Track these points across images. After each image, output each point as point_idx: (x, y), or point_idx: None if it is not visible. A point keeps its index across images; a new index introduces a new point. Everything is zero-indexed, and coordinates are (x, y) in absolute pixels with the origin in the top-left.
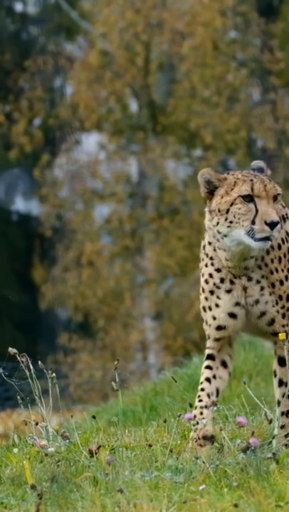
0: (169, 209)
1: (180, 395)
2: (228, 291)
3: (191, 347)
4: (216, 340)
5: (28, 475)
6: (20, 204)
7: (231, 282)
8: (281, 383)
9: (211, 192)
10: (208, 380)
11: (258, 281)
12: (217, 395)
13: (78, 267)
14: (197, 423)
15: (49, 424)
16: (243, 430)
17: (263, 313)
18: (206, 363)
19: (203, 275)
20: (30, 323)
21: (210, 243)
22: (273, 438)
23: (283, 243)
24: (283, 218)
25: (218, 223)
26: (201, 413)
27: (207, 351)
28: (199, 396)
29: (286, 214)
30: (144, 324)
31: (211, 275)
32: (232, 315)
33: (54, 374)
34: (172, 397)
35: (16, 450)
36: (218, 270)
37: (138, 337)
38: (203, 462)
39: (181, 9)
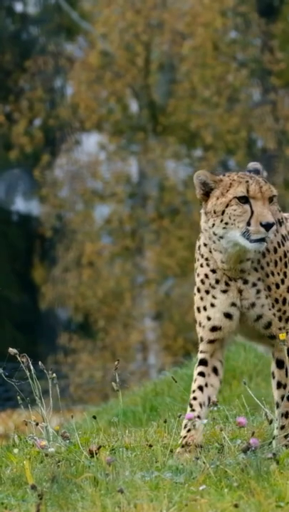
0: (169, 209)
1: (180, 395)
2: (224, 292)
3: (191, 347)
4: (210, 342)
5: (28, 475)
6: (20, 204)
7: (226, 284)
8: (280, 385)
9: (207, 193)
10: (200, 388)
11: (254, 284)
12: (208, 403)
13: (78, 267)
14: (189, 430)
15: (49, 424)
16: (244, 430)
17: (259, 317)
18: (199, 369)
19: (198, 275)
20: (30, 323)
21: (206, 244)
22: (273, 438)
23: (279, 247)
24: (279, 222)
25: (213, 225)
26: (194, 425)
27: (200, 356)
28: (192, 406)
29: (282, 218)
30: (145, 324)
31: (206, 275)
32: (228, 315)
33: (54, 374)
34: (172, 398)
35: (16, 450)
36: (214, 271)
37: (138, 337)
38: (204, 462)
39: (181, 10)
